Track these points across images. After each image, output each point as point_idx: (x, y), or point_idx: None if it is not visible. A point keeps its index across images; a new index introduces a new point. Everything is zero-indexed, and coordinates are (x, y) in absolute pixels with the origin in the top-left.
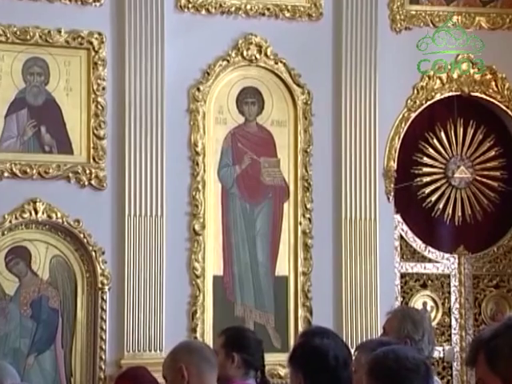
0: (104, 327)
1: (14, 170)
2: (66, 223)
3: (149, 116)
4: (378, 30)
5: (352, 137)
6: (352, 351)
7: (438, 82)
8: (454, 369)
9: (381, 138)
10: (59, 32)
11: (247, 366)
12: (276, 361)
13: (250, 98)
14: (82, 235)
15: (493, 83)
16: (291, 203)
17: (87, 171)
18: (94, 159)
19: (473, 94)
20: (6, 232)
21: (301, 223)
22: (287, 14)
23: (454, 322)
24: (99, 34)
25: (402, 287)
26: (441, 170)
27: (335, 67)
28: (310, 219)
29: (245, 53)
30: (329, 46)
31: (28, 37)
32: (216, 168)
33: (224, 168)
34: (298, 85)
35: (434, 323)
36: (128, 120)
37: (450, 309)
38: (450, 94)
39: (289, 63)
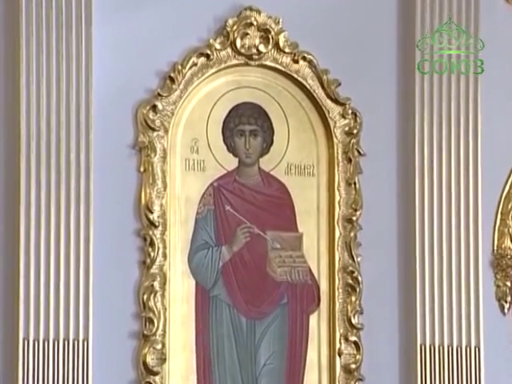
0: None
1: None
2: None
3: (63, 159)
4: (480, 1)
5: (434, 195)
6: None
7: None
8: None
9: (487, 199)
10: None
11: None
12: None
13: (248, 125)
14: None
15: None
16: (323, 316)
17: None
18: None
19: None
20: None
21: (342, 353)
22: None
23: None
24: None
25: None
26: None
27: (402, 68)
28: (357, 345)
29: (239, 42)
30: (392, 31)
31: None
32: (186, 251)
33: (201, 251)
34: (336, 101)
35: None
36: (25, 168)
37: None
38: None
39: (319, 61)
